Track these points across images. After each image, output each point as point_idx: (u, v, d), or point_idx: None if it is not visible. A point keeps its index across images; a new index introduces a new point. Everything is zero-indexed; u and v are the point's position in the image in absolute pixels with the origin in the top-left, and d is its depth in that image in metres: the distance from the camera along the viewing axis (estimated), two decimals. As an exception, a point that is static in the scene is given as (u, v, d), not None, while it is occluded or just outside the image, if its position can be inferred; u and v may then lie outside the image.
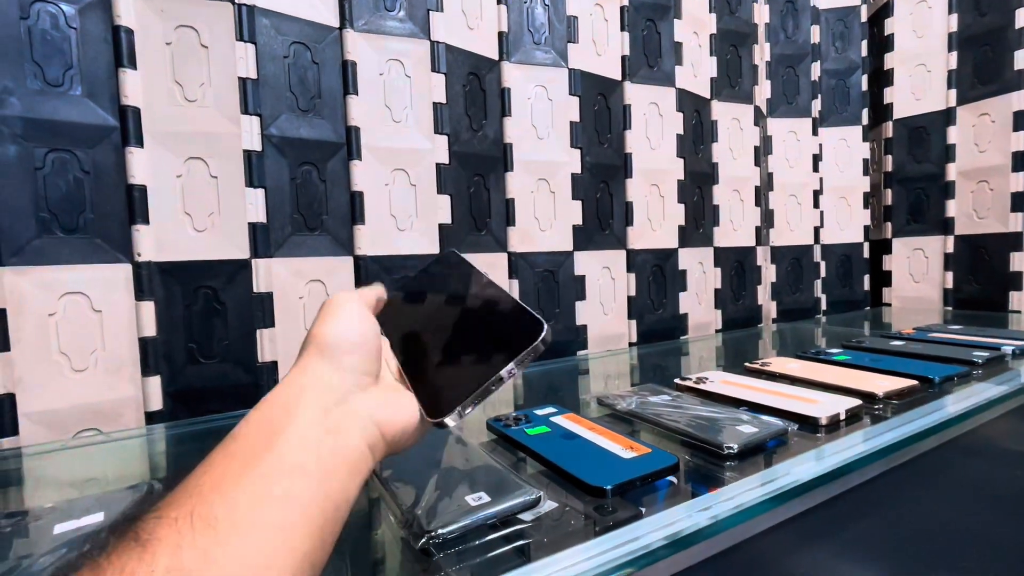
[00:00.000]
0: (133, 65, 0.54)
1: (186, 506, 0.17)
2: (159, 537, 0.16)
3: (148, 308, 0.55)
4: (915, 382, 0.53)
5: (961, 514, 0.50)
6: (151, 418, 0.55)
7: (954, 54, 1.11)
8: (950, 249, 1.14)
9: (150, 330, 0.55)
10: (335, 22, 0.65)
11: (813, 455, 0.39)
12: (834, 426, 0.44)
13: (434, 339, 0.30)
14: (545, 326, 0.26)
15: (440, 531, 0.28)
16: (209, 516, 0.17)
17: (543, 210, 0.82)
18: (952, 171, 1.12)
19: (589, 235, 0.86)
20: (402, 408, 0.25)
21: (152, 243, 0.55)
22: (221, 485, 0.18)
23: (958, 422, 0.47)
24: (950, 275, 1.14)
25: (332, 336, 0.24)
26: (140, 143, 0.55)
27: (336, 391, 0.23)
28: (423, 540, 0.28)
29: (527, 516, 0.31)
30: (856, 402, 0.47)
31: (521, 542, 0.29)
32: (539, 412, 0.48)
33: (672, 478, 0.36)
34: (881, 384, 0.52)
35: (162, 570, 0.15)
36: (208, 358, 0.58)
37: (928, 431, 0.44)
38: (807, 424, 0.44)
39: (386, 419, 0.24)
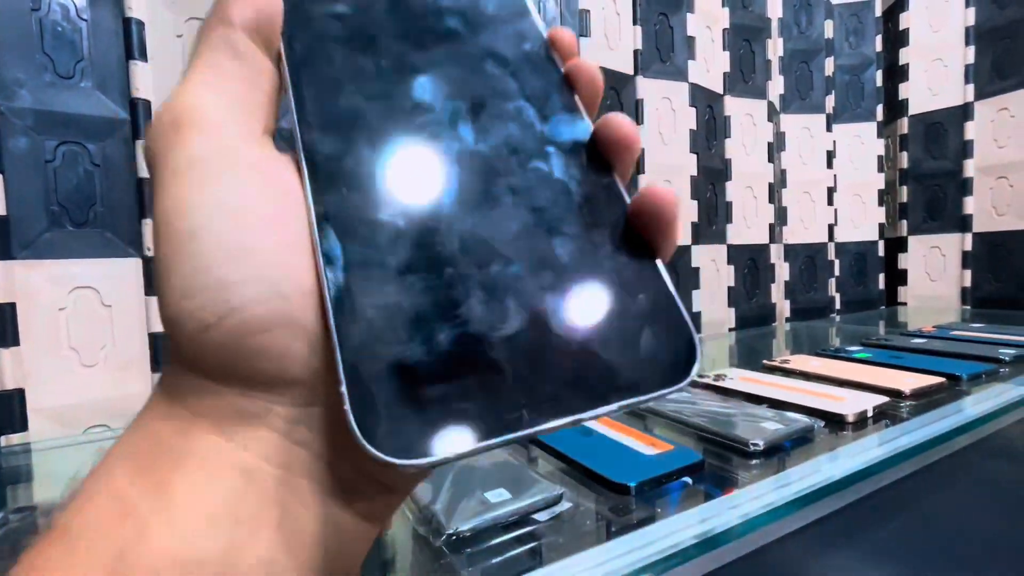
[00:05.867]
0: (144, 57, 0.54)
1: None
2: None
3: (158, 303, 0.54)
4: (942, 379, 0.52)
5: (993, 516, 0.49)
6: (161, 414, 0.55)
7: (971, 48, 1.09)
8: (968, 247, 1.11)
9: (160, 325, 0.54)
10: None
11: (842, 453, 0.38)
12: (862, 423, 0.43)
13: (433, 191, 0.12)
14: (698, 361, 0.11)
15: (461, 528, 0.27)
16: None
17: None
18: (970, 167, 1.10)
19: (601, 231, 0.84)
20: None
21: (162, 237, 0.55)
22: None
23: (990, 420, 0.45)
24: (968, 273, 1.12)
25: (198, 307, 0.10)
26: (150, 136, 0.54)
27: (247, 432, 0.10)
28: (443, 538, 0.27)
29: (550, 513, 0.30)
30: (883, 399, 0.46)
31: (545, 539, 0.28)
32: (555, 408, 0.47)
33: (696, 476, 0.35)
34: (907, 381, 0.51)
35: None
36: (218, 354, 0.58)
37: (960, 428, 0.42)
38: (833, 421, 0.43)
39: (366, 484, 0.12)
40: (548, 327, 0.11)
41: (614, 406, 0.10)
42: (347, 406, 0.09)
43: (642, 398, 0.10)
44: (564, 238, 0.12)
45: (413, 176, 0.12)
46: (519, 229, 0.12)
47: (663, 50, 0.90)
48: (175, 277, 0.10)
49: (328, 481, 0.11)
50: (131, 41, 0.53)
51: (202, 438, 0.10)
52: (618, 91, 0.86)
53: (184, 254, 0.10)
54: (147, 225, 0.54)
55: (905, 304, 1.22)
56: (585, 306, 0.11)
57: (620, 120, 0.13)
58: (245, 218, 0.10)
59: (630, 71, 0.87)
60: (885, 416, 0.44)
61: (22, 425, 0.49)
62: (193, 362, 0.10)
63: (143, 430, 0.11)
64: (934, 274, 1.18)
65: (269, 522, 0.10)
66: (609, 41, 0.85)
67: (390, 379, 0.10)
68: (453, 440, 0.09)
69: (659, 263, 0.12)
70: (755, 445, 0.37)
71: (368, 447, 0.09)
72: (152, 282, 0.53)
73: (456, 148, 0.12)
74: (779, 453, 0.38)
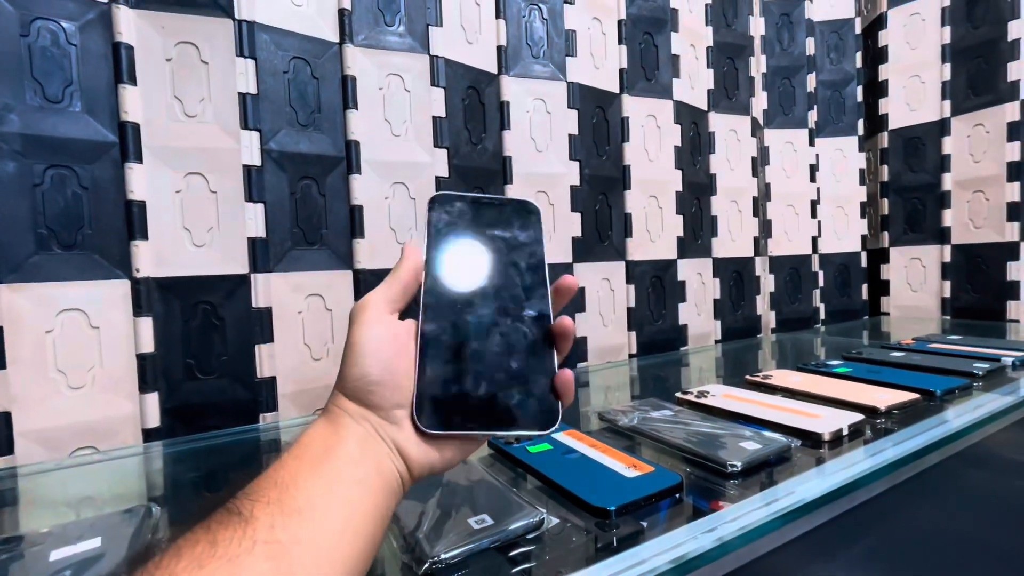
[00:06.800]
0: (133, 81, 0.54)
1: (274, 493, 0.21)
2: (256, 515, 0.20)
3: (146, 324, 0.55)
4: (917, 395, 0.53)
5: (969, 527, 0.50)
6: (149, 435, 0.55)
7: (948, 65, 1.12)
8: (947, 258, 1.14)
9: (148, 346, 0.55)
10: (335, 37, 0.65)
11: (817, 472, 0.39)
12: (837, 442, 0.44)
13: (467, 330, 0.27)
14: (557, 423, 0.27)
15: (443, 556, 0.28)
16: (293, 504, 0.21)
17: (542, 222, 0.82)
18: (948, 181, 1.13)
19: (588, 247, 0.86)
20: (432, 451, 0.25)
21: (151, 259, 0.55)
22: (297, 481, 0.22)
23: (962, 436, 0.47)
24: (947, 284, 1.14)
25: (352, 378, 0.25)
26: (139, 159, 0.55)
27: (367, 422, 0.25)
28: (426, 566, 0.27)
29: (531, 538, 0.31)
30: (858, 417, 0.47)
31: (525, 565, 0.29)
32: (540, 428, 0.48)
33: (675, 498, 0.36)
34: (883, 398, 0.52)
35: (262, 541, 0.19)
36: (206, 374, 0.58)
37: (932, 445, 0.44)
38: (810, 440, 0.44)
39: (412, 456, 0.25)
40: (497, 393, 0.26)
41: (514, 432, 0.26)
42: (413, 408, 0.25)
43: (529, 432, 0.26)
44: (519, 355, 0.27)
45: (460, 326, 0.27)
46: (502, 348, 0.27)
47: (648, 68, 0.92)
48: (350, 364, 0.25)
49: (393, 448, 0.25)
50: (120, 65, 0.54)
51: (348, 422, 0.25)
52: (604, 109, 0.88)
53: (355, 354, 0.25)
54: (135, 247, 0.54)
55: (888, 314, 1.24)
56: (514, 385, 0.27)
57: (562, 319, 0.28)
58: (379, 344, 0.25)
59: (616, 89, 0.89)
60: (860, 434, 0.46)
61: (8, 449, 0.49)
62: (348, 393, 0.25)
63: (328, 414, 0.25)
64: (915, 284, 1.21)
65: (372, 457, 0.24)
66: (595, 60, 0.87)
67: (430, 402, 0.25)
68: (450, 426, 0.25)
69: (554, 374, 0.27)
70: (733, 466, 0.38)
71: (418, 423, 0.25)
72: (141, 303, 0.53)
73: (482, 315, 0.28)
74: (756, 473, 0.39)
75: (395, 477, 0.24)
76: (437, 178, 0.71)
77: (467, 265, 0.29)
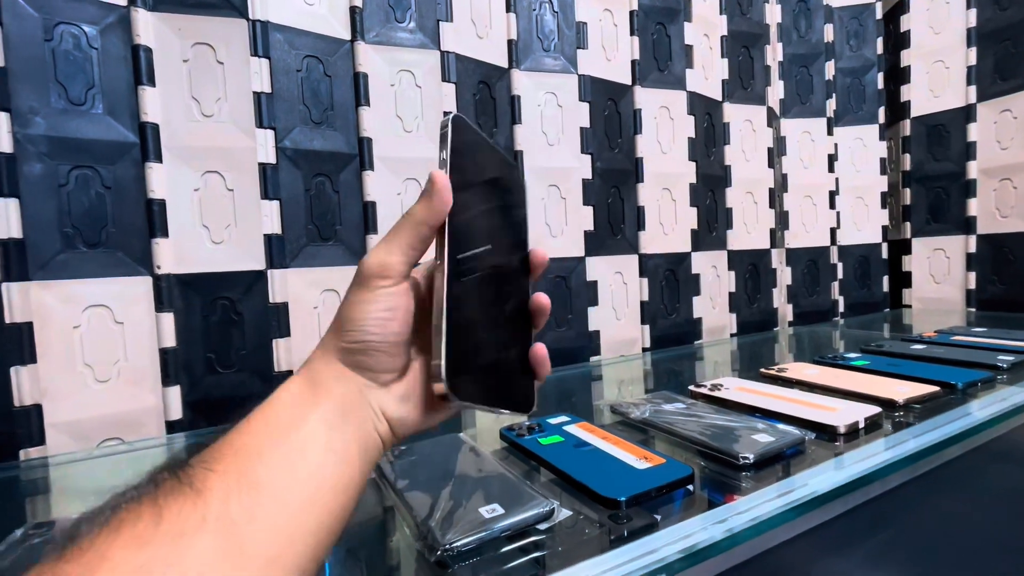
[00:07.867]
0: (152, 82, 0.56)
1: (232, 462, 0.19)
2: (210, 487, 0.18)
3: (168, 319, 0.56)
4: (937, 388, 0.52)
5: (989, 523, 0.49)
6: (171, 427, 0.57)
7: (973, 50, 1.09)
8: (972, 249, 1.11)
9: (170, 341, 0.56)
10: (347, 35, 0.66)
11: (831, 465, 0.38)
12: (853, 435, 0.43)
13: (485, 295, 0.27)
14: (532, 409, 0.28)
15: (454, 543, 0.28)
16: (252, 476, 0.19)
17: (554, 216, 0.82)
18: (973, 169, 1.10)
19: (601, 240, 0.85)
20: (415, 413, 0.25)
21: (171, 256, 0.57)
22: (260, 450, 0.20)
23: (983, 429, 0.46)
24: (972, 275, 1.11)
25: (350, 341, 0.23)
26: (159, 158, 0.56)
27: (353, 384, 0.24)
28: (438, 553, 0.28)
29: (542, 528, 0.31)
30: (876, 409, 0.46)
31: (536, 554, 0.29)
32: (552, 421, 0.48)
33: (686, 490, 0.36)
34: (901, 390, 0.51)
35: (213, 517, 0.17)
36: (226, 368, 0.59)
37: (951, 439, 0.43)
38: (825, 433, 0.44)
39: (398, 419, 0.25)
40: (505, 369, 0.27)
41: (506, 411, 0.27)
42: (444, 376, 0.23)
43: (514, 413, 0.27)
44: (517, 328, 0.29)
45: (482, 295, 0.26)
46: (507, 316, 0.28)
47: (661, 59, 0.91)
48: (352, 328, 0.24)
49: (378, 411, 0.24)
50: (139, 67, 0.55)
51: (330, 384, 0.23)
52: (616, 101, 0.87)
53: (360, 321, 0.24)
54: (156, 244, 0.56)
55: (910, 307, 1.21)
56: (516, 361, 0.28)
57: (539, 295, 0.30)
58: (387, 316, 0.24)
59: (628, 81, 0.88)
60: (877, 427, 0.45)
61: (40, 439, 0.51)
62: (339, 355, 0.24)
63: (307, 372, 0.24)
64: (938, 276, 1.18)
65: (353, 422, 0.23)
66: (607, 52, 0.86)
67: (457, 367, 0.24)
68: (470, 396, 0.24)
69: (531, 352, 0.29)
70: (745, 458, 0.38)
71: (451, 394, 0.23)
72: (163, 298, 0.55)
73: (497, 285, 0.28)
74: (768, 466, 0.38)
75: (375, 442, 0.24)
76: (449, 173, 0.71)
77: (483, 224, 0.27)
